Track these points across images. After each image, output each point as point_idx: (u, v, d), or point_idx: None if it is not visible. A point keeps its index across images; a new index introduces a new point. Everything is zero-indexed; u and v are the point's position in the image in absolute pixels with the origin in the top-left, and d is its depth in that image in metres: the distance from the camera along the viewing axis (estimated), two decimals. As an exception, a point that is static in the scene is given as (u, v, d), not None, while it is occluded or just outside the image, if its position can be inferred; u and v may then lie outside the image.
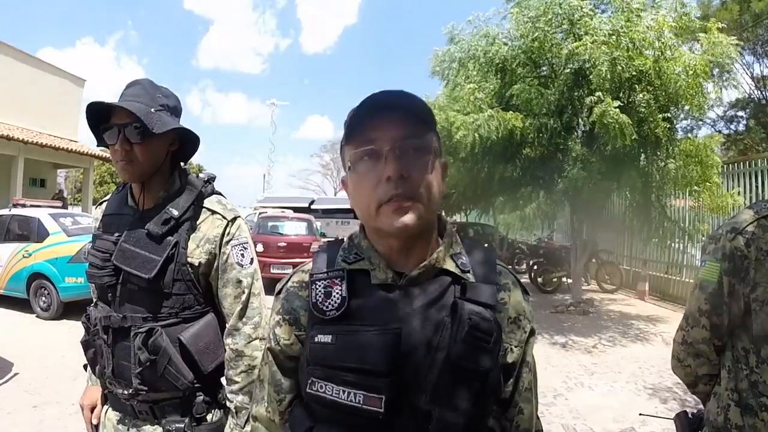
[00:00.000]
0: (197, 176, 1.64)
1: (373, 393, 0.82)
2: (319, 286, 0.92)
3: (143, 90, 1.50)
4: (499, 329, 0.87)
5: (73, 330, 6.86)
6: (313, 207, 24.01)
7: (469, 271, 0.93)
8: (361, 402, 0.82)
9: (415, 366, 0.85)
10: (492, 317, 0.87)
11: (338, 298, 0.89)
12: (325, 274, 0.93)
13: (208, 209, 1.57)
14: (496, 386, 0.89)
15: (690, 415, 1.58)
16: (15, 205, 8.72)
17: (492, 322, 0.86)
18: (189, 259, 1.49)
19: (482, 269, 0.95)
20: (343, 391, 0.83)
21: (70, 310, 7.48)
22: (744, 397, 1.32)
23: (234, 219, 1.58)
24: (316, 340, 0.88)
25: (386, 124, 0.88)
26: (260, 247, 10.24)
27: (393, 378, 0.82)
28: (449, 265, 0.93)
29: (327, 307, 0.89)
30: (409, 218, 0.86)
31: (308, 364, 0.89)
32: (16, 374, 5.02)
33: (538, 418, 1.04)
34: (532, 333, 0.99)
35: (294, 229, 11.69)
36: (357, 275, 0.92)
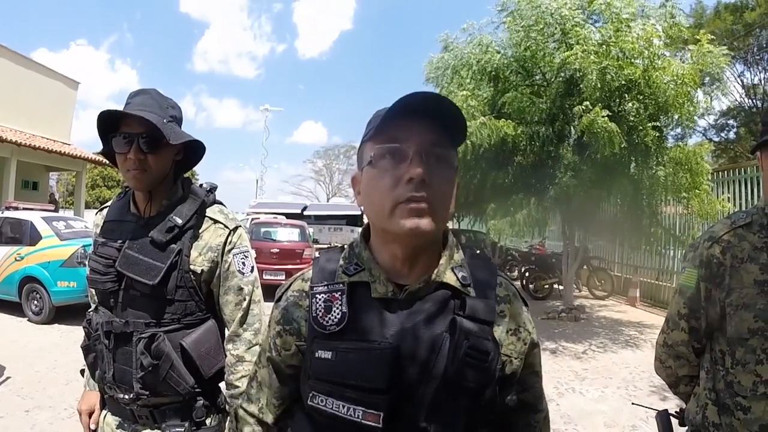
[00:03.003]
0: (201, 186, 1.68)
1: (372, 409, 0.84)
2: (320, 299, 0.92)
3: (153, 101, 1.53)
4: (496, 347, 0.89)
5: (65, 334, 6.86)
6: (305, 213, 23.96)
7: (469, 285, 0.93)
8: (360, 417, 0.84)
9: (412, 382, 0.86)
10: (490, 335, 0.89)
11: (338, 313, 0.90)
12: (326, 287, 0.93)
13: (211, 218, 1.61)
14: (491, 400, 0.89)
15: (676, 412, 1.64)
16: (7, 208, 8.67)
17: (490, 340, 0.88)
18: (192, 267, 1.53)
19: (482, 282, 0.95)
20: (343, 406, 0.85)
21: (61, 314, 7.46)
22: (721, 397, 1.39)
23: (235, 228, 1.63)
24: (316, 355, 0.89)
25: (417, 127, 0.88)
26: (253, 253, 10.21)
27: (391, 394, 0.84)
28: (450, 279, 0.92)
29: (327, 321, 0.90)
30: (422, 222, 0.85)
31: (309, 378, 0.91)
32: (7, 378, 5.00)
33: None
34: (534, 345, 1.00)
35: (287, 235, 11.72)
36: (357, 288, 0.93)
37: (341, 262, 0.98)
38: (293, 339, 0.97)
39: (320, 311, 0.91)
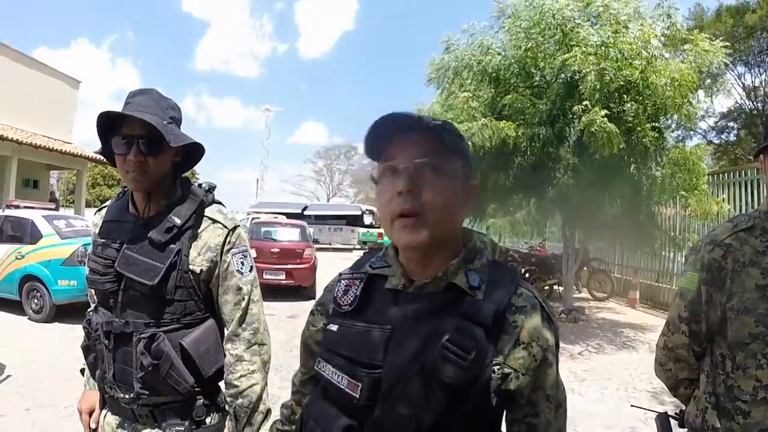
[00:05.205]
0: (200, 185, 1.68)
1: (354, 380, 0.93)
2: (343, 284, 1.06)
3: (154, 101, 1.52)
4: (483, 349, 0.87)
5: (65, 333, 6.87)
6: (305, 213, 23.98)
7: (478, 288, 0.93)
8: (345, 385, 0.94)
9: (395, 365, 0.91)
10: (480, 336, 0.87)
11: (352, 296, 1.02)
12: (351, 275, 1.06)
13: (210, 218, 1.61)
14: (478, 405, 0.88)
15: (675, 413, 1.64)
16: (8, 206, 8.69)
17: (476, 340, 0.87)
18: (191, 267, 1.53)
19: (496, 289, 0.94)
20: (335, 373, 0.96)
21: (62, 312, 7.47)
22: (721, 401, 1.39)
23: (234, 228, 1.63)
24: (328, 328, 1.03)
25: (405, 143, 0.94)
26: (253, 253, 10.21)
27: (373, 370, 0.92)
28: (459, 280, 0.94)
29: (343, 302, 1.02)
30: (414, 237, 0.91)
31: (321, 347, 1.04)
32: (8, 376, 5.02)
33: None
34: (545, 362, 0.93)
35: (287, 234, 11.68)
36: (377, 279, 1.03)
37: (374, 258, 1.08)
38: (322, 318, 1.11)
39: (340, 293, 1.04)
